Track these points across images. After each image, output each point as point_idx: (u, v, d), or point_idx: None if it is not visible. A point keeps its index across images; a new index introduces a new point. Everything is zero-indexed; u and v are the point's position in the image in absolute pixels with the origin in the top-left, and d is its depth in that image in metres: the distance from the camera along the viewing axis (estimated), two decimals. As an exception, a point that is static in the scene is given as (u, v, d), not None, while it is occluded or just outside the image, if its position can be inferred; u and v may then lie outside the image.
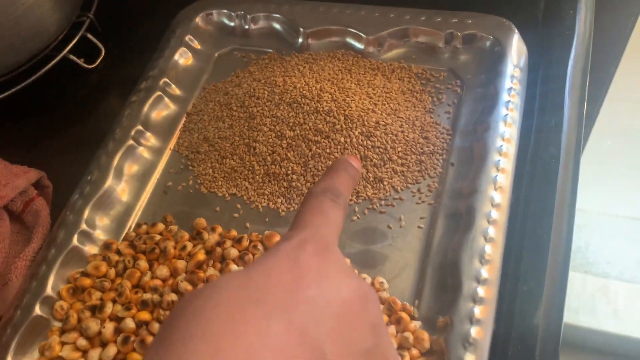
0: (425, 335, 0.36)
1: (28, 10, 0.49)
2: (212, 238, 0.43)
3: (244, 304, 0.21)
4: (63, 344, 0.39)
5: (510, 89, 0.45)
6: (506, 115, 0.43)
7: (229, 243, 0.43)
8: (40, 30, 0.52)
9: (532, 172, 0.41)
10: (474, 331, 0.35)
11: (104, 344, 0.39)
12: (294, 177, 0.45)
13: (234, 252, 0.42)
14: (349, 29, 0.51)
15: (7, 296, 0.42)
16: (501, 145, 0.42)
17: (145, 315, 0.39)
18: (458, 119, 0.46)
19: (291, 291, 0.22)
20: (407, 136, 0.45)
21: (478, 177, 0.41)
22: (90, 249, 0.44)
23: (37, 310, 0.40)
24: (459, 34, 0.49)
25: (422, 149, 0.45)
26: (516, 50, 0.47)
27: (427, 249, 0.41)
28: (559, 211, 0.39)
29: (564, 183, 0.38)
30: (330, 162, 0.44)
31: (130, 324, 0.39)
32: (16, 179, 0.45)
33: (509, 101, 0.44)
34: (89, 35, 0.56)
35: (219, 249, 0.42)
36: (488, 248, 0.38)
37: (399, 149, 0.45)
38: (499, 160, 0.41)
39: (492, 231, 0.39)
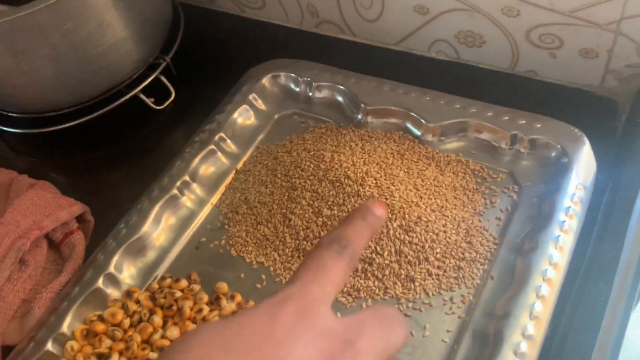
0: None
1: (108, 49, 0.52)
2: (228, 307, 0.42)
3: (213, 351, 0.23)
4: (63, 387, 0.40)
5: (569, 208, 0.41)
6: (558, 236, 0.40)
7: (245, 315, 0.42)
8: (118, 68, 0.54)
9: (574, 307, 0.37)
10: None
11: (101, 396, 0.39)
12: (324, 258, 0.43)
13: (247, 326, 0.41)
14: (411, 113, 0.49)
15: (27, 326, 0.43)
16: (546, 270, 0.38)
17: (146, 376, 0.39)
18: (508, 228, 0.43)
19: (259, 347, 0.23)
20: (449, 237, 0.43)
21: (514, 299, 0.38)
22: (113, 292, 0.44)
23: (49, 346, 0.41)
24: (525, 137, 0.46)
25: (463, 254, 0.42)
26: (584, 165, 0.44)
27: (446, 367, 0.38)
28: (597, 358, 0.35)
29: (608, 329, 0.34)
30: (363, 251, 0.42)
31: (129, 381, 0.39)
32: (60, 211, 0.46)
33: (564, 221, 0.40)
34: (162, 78, 0.58)
35: (233, 319, 0.41)
36: (511, 385, 0.35)
37: (438, 250, 0.42)
38: (540, 286, 0.38)
39: (519, 365, 0.35)
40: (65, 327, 0.42)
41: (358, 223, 0.30)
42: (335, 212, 0.44)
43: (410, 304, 0.41)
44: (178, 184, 0.48)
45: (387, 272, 0.42)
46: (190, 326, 0.41)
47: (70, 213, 0.47)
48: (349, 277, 0.30)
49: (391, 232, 0.42)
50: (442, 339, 0.39)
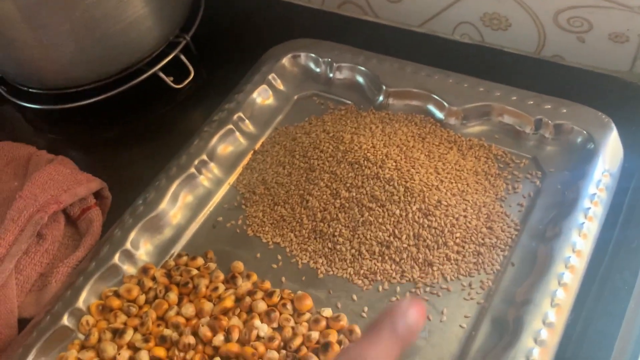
0: None
1: (129, 26, 0.52)
2: (245, 285, 0.42)
3: None
4: (79, 360, 0.40)
5: (594, 195, 0.40)
6: (582, 223, 0.39)
7: (260, 294, 0.41)
8: (137, 45, 0.54)
9: (598, 296, 0.36)
10: None
11: (115, 370, 0.39)
12: (340, 239, 0.43)
13: (262, 306, 0.41)
14: (433, 96, 0.48)
15: (43, 299, 0.44)
16: (569, 257, 0.38)
17: (160, 352, 0.39)
18: (530, 215, 0.42)
19: None
20: (470, 222, 0.42)
21: (536, 286, 0.37)
22: (129, 269, 0.44)
23: (65, 320, 0.41)
24: (550, 122, 0.45)
25: (483, 239, 0.41)
26: (611, 152, 0.42)
27: (463, 353, 0.37)
28: (620, 347, 0.34)
29: (632, 318, 0.33)
30: (381, 234, 0.42)
31: (144, 357, 0.39)
32: (78, 187, 0.46)
33: (589, 208, 0.39)
34: (182, 57, 0.57)
35: (248, 299, 0.41)
36: (528, 373, 0.34)
37: (458, 234, 0.41)
38: (562, 274, 0.37)
39: (536, 353, 0.34)
40: (81, 302, 0.42)
41: (385, 337, 0.26)
42: (354, 194, 0.43)
43: (427, 288, 0.40)
44: (196, 162, 0.48)
45: (404, 256, 0.41)
46: (206, 304, 0.41)
47: (88, 189, 0.47)
48: None
49: (410, 215, 0.42)
50: (460, 325, 0.39)
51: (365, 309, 0.40)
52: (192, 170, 0.48)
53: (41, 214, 0.43)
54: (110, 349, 0.39)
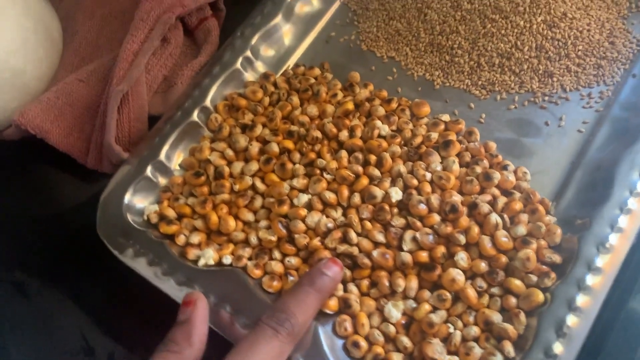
0: (558, 230, 0.35)
1: None
2: (362, 92, 0.44)
3: None
4: (212, 150, 0.43)
5: None
6: None
7: (377, 101, 0.43)
8: None
9: None
10: (613, 238, 0.34)
11: (247, 160, 0.42)
12: (459, 52, 0.44)
13: (381, 110, 0.42)
14: None
15: (171, 98, 0.46)
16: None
17: (289, 144, 0.42)
18: (654, 32, 0.42)
19: None
20: (593, 36, 0.42)
21: (662, 92, 0.38)
22: (250, 76, 0.46)
23: (195, 116, 0.44)
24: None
25: (604, 53, 0.42)
26: None
27: (582, 153, 0.39)
28: None
29: None
30: (502, 45, 0.42)
31: (275, 147, 0.41)
32: (198, -7, 0.47)
33: None
34: None
35: (367, 105, 0.43)
36: (652, 164, 0.36)
37: (580, 47, 0.42)
38: (691, 80, 0.38)
39: (661, 149, 0.36)
40: (208, 101, 0.44)
41: (303, 291, 0.32)
42: (476, 5, 0.43)
43: (546, 98, 0.42)
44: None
45: (525, 67, 0.42)
46: (328, 106, 0.43)
47: (208, -4, 0.48)
48: (290, 350, 0.31)
49: (534, 26, 0.42)
50: (578, 129, 0.40)
51: (483, 115, 0.42)
52: (304, -15, 0.48)
53: (169, 14, 0.45)
54: (242, 140, 0.42)
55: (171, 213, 0.41)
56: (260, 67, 0.47)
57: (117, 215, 0.40)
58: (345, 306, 0.35)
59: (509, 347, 0.32)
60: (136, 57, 0.44)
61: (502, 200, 0.37)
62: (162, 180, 0.42)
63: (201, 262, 0.38)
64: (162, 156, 0.42)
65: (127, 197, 0.41)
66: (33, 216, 0.46)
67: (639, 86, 0.40)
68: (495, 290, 0.35)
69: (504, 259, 0.35)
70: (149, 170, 0.42)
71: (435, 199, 0.37)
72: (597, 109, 0.41)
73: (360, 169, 0.39)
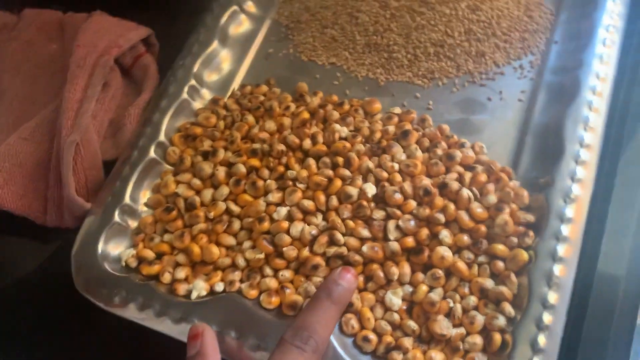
0: (525, 193, 0.38)
1: None
2: (314, 100, 0.45)
3: None
4: (178, 183, 0.42)
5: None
6: (617, -6, 0.43)
7: (330, 106, 0.44)
8: None
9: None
10: (576, 188, 0.37)
11: (215, 186, 0.42)
12: (395, 47, 0.46)
13: (335, 114, 0.44)
14: None
15: (122, 140, 0.45)
16: (608, 25, 0.42)
17: (255, 162, 0.42)
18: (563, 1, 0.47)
19: None
20: (512, 13, 0.46)
21: (584, 51, 0.42)
22: (198, 104, 0.46)
23: (152, 152, 0.43)
24: None
25: (526, 26, 0.45)
26: None
27: (527, 120, 0.42)
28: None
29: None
30: (434, 35, 0.45)
31: (241, 168, 0.42)
32: (129, 32, 0.47)
33: (620, -19, 0.44)
34: None
35: (321, 111, 0.44)
36: (592, 117, 0.39)
37: (504, 24, 0.45)
38: (605, 39, 0.42)
39: (597, 102, 0.40)
40: (162, 136, 0.44)
41: (322, 305, 0.32)
42: (403, 2, 0.46)
43: (483, 76, 0.45)
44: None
45: (458, 51, 0.45)
46: (284, 119, 0.44)
47: (139, 34, 0.47)
48: None
49: (460, 13, 0.45)
50: (519, 99, 0.43)
51: (430, 102, 0.44)
52: (234, 7, 0.49)
53: (106, 57, 0.44)
54: (207, 167, 0.42)
55: (149, 254, 0.40)
56: (207, 94, 0.47)
57: (93, 267, 0.39)
58: (347, 305, 0.36)
59: (508, 308, 0.34)
60: (81, 105, 0.43)
61: (467, 175, 0.39)
62: (132, 223, 0.41)
63: (194, 295, 0.38)
64: (127, 199, 0.41)
65: (100, 247, 0.39)
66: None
67: (562, 51, 0.44)
68: (482, 258, 0.37)
69: (483, 228, 0.37)
70: (117, 216, 0.40)
71: (408, 186, 0.39)
72: (530, 77, 0.44)
73: (330, 172, 0.40)
